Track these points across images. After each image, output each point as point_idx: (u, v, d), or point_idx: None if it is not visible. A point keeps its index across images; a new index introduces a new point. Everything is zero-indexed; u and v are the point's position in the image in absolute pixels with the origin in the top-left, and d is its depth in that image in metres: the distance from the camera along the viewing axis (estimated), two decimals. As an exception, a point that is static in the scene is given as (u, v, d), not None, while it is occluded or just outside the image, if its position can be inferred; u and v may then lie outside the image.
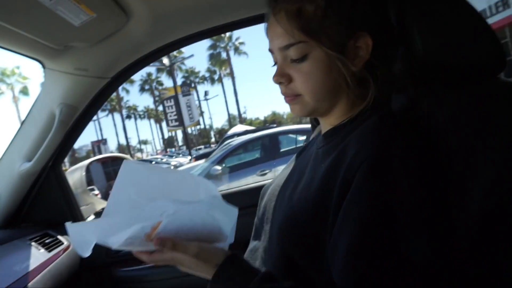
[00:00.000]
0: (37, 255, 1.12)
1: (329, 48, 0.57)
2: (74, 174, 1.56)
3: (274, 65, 0.65)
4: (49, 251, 1.18)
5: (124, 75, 1.28)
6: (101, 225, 0.60)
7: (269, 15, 0.62)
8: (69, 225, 0.57)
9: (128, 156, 2.03)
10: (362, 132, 0.56)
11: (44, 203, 1.38)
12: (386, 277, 0.47)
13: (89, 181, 1.70)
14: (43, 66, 1.13)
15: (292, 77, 0.61)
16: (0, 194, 1.25)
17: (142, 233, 0.55)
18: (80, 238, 0.58)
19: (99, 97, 1.29)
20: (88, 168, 1.69)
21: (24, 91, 39.24)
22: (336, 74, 0.59)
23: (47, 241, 1.23)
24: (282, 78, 0.62)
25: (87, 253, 0.56)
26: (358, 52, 0.59)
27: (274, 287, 0.54)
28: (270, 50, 0.64)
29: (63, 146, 1.34)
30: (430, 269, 0.47)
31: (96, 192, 1.96)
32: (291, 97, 0.63)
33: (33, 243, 1.17)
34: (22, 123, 1.24)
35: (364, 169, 0.50)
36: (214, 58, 40.22)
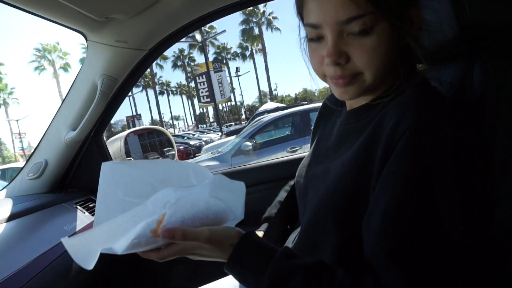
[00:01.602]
0: (82, 217, 1.19)
1: (395, 19, 0.52)
2: (114, 144, 1.63)
3: (313, 40, 0.58)
4: (93, 215, 1.27)
5: (161, 47, 1.30)
6: (104, 232, 0.54)
7: None
8: (65, 240, 0.52)
9: (163, 129, 2.07)
10: (401, 103, 0.54)
11: (87, 171, 1.46)
12: (421, 247, 0.46)
13: (127, 152, 1.76)
14: (86, 39, 1.17)
15: (351, 54, 0.54)
16: (49, 161, 1.34)
17: (147, 230, 0.51)
18: (81, 251, 0.53)
19: (137, 69, 1.32)
20: (125, 139, 1.74)
21: (64, 67, 40.79)
22: (396, 48, 0.55)
23: (90, 205, 1.32)
24: (340, 58, 0.55)
25: (91, 265, 0.51)
26: (413, 22, 0.55)
27: (295, 263, 0.52)
28: (313, 25, 0.56)
29: (104, 117, 1.39)
30: (465, 242, 0.46)
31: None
32: (349, 78, 0.56)
33: (78, 207, 1.25)
34: (67, 94, 1.30)
35: (405, 139, 0.49)
36: (246, 34, 39.78)
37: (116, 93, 1.35)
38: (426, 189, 0.47)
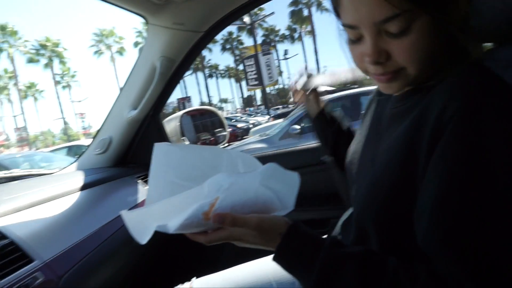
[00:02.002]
0: (143, 190, 1.28)
1: (434, 12, 0.49)
2: (170, 124, 1.71)
3: (352, 40, 0.56)
4: (152, 189, 1.35)
5: (216, 29, 1.33)
6: (160, 209, 0.56)
7: None
8: (125, 213, 0.55)
9: (216, 110, 2.12)
10: (448, 84, 0.51)
11: (146, 147, 1.54)
12: (475, 232, 0.45)
13: (182, 131, 1.84)
14: (147, 22, 1.23)
15: (391, 52, 0.53)
16: (113, 138, 1.44)
17: (200, 212, 0.52)
18: (138, 225, 0.55)
19: (193, 51, 1.37)
20: (180, 120, 1.81)
21: (120, 51, 42.89)
22: (440, 39, 0.52)
23: (150, 180, 1.41)
24: (380, 57, 0.53)
25: (145, 240, 0.54)
26: (459, 11, 0.52)
27: (346, 252, 0.52)
28: (350, 26, 0.54)
29: (162, 97, 1.47)
30: None
31: (187, 142, 2.12)
32: (391, 74, 0.55)
33: (139, 181, 1.34)
34: (129, 75, 1.39)
35: (453, 123, 0.47)
36: (295, 15, 38.98)
37: (173, 74, 1.41)
38: (477, 174, 0.45)
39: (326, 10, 37.49)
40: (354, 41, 0.56)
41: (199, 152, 0.70)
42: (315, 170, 1.47)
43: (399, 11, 0.48)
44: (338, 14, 0.58)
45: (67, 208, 0.94)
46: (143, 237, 0.54)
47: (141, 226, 0.54)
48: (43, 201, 0.93)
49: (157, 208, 0.56)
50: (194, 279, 0.88)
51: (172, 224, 0.52)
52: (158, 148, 0.65)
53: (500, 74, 0.51)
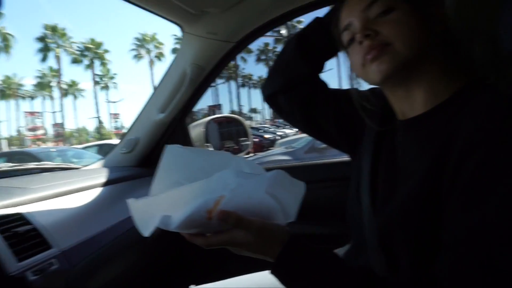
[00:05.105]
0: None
1: (414, 3, 0.57)
2: (195, 129, 1.74)
3: (349, 43, 0.64)
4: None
5: (247, 40, 1.36)
6: (167, 198, 0.55)
7: None
8: (132, 202, 0.55)
9: (242, 119, 2.15)
10: (475, 110, 0.51)
11: (171, 150, 1.59)
12: (487, 275, 0.43)
13: (206, 137, 1.87)
14: (182, 30, 1.28)
15: (379, 29, 0.58)
16: (140, 138, 1.49)
17: (204, 208, 0.51)
18: (143, 216, 0.55)
19: (223, 60, 1.41)
20: (206, 126, 1.84)
21: (159, 56, 44.34)
22: (423, 29, 0.57)
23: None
24: (368, 30, 0.58)
25: (148, 232, 0.53)
26: (439, 18, 0.59)
27: (345, 268, 0.52)
28: (345, 27, 0.64)
29: (190, 103, 1.51)
30: None
31: (211, 148, 2.15)
32: (379, 47, 0.57)
33: (160, 182, 1.38)
34: (161, 79, 1.44)
35: (485, 148, 0.46)
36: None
37: (202, 82, 1.45)
38: (503, 212, 0.44)
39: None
40: (350, 42, 0.63)
41: (209, 156, 0.71)
42: (336, 185, 1.45)
43: None
44: (339, 37, 0.67)
45: (88, 202, 0.98)
46: (146, 229, 0.53)
47: (146, 216, 0.54)
48: (67, 193, 0.97)
49: (163, 198, 0.56)
50: (192, 286, 0.89)
51: (176, 218, 0.52)
52: (169, 150, 0.66)
53: None
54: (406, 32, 0.57)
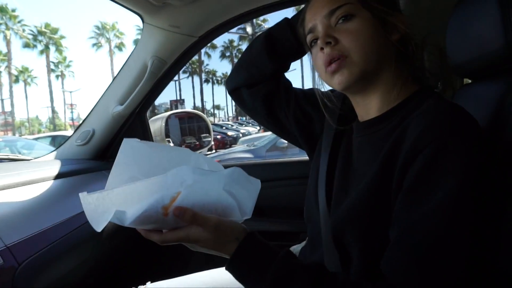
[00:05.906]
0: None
1: (372, 8, 0.60)
2: (155, 123, 1.71)
3: (312, 45, 0.66)
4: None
5: (211, 36, 1.35)
6: (122, 193, 0.53)
7: None
8: (84, 196, 0.52)
9: (203, 115, 2.13)
10: (423, 113, 0.54)
11: (129, 144, 1.55)
12: (432, 268, 0.47)
13: (167, 132, 1.84)
14: (143, 20, 1.25)
15: (339, 38, 0.61)
16: (96, 130, 1.44)
17: (160, 204, 0.51)
18: (96, 210, 0.53)
19: (186, 54, 1.39)
20: (167, 120, 1.81)
21: (119, 46, 42.67)
22: (380, 38, 0.60)
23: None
24: (330, 38, 0.61)
25: (101, 227, 0.51)
26: (396, 27, 0.62)
27: (298, 264, 0.53)
28: (310, 30, 0.66)
29: (150, 96, 1.47)
30: (474, 258, 0.47)
31: (171, 144, 2.12)
32: (337, 58, 0.60)
33: (117, 176, 1.34)
34: (120, 70, 1.39)
35: (430, 148, 0.50)
36: (297, 32, 39.39)
37: (163, 75, 1.43)
38: (443, 209, 0.48)
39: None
40: (313, 45, 0.66)
41: (167, 151, 0.70)
42: (296, 183, 1.49)
43: (342, 3, 0.61)
44: (304, 36, 0.69)
45: (38, 195, 0.93)
46: (99, 224, 0.51)
47: (99, 211, 0.52)
48: (16, 185, 0.92)
49: (118, 192, 0.54)
50: (148, 283, 0.88)
51: (130, 214, 0.51)
52: (126, 143, 0.65)
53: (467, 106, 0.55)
54: (364, 43, 0.60)
